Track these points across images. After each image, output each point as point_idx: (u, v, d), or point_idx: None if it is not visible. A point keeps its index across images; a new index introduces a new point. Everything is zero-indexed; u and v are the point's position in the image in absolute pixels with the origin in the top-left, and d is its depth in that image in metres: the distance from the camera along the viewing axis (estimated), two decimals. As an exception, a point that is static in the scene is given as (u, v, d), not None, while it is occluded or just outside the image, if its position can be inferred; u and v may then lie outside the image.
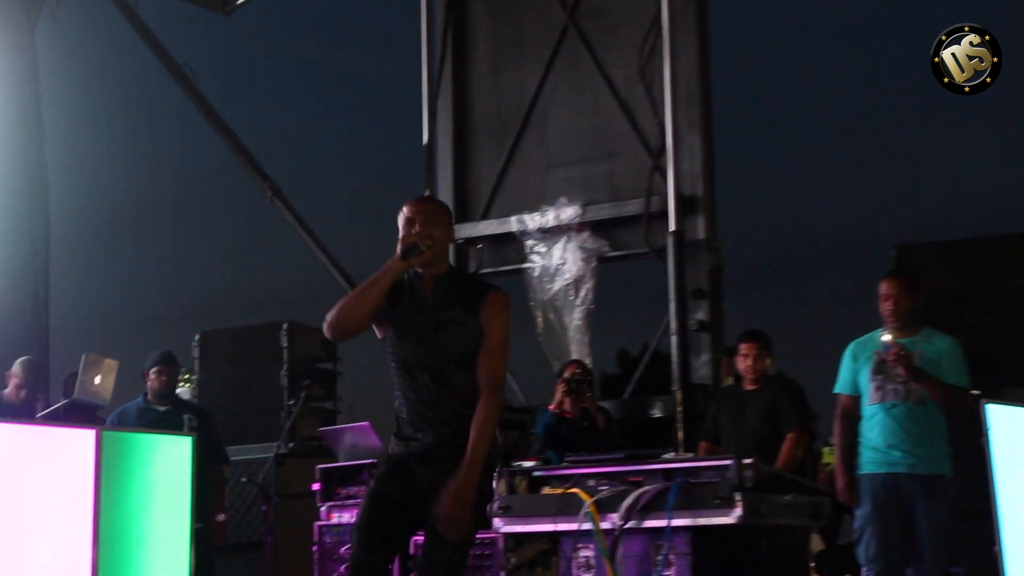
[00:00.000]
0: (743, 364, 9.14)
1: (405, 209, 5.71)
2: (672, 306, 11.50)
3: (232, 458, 10.34)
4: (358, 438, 9.78)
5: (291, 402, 11.41)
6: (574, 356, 11.57)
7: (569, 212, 12.14)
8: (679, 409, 11.29)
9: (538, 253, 12.28)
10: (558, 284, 12.09)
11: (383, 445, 9.68)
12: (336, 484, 9.59)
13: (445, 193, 13.12)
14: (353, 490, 9.49)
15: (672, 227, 11.57)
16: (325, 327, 5.59)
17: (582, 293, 12.01)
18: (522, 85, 12.96)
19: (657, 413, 11.77)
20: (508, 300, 5.77)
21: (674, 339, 11.46)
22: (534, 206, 12.41)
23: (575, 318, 12.00)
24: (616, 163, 12.36)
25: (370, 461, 9.47)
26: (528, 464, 8.73)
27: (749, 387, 9.12)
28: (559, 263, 12.12)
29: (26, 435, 8.05)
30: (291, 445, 11.24)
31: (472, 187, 13.15)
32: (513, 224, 12.47)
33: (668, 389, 11.62)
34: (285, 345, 12.24)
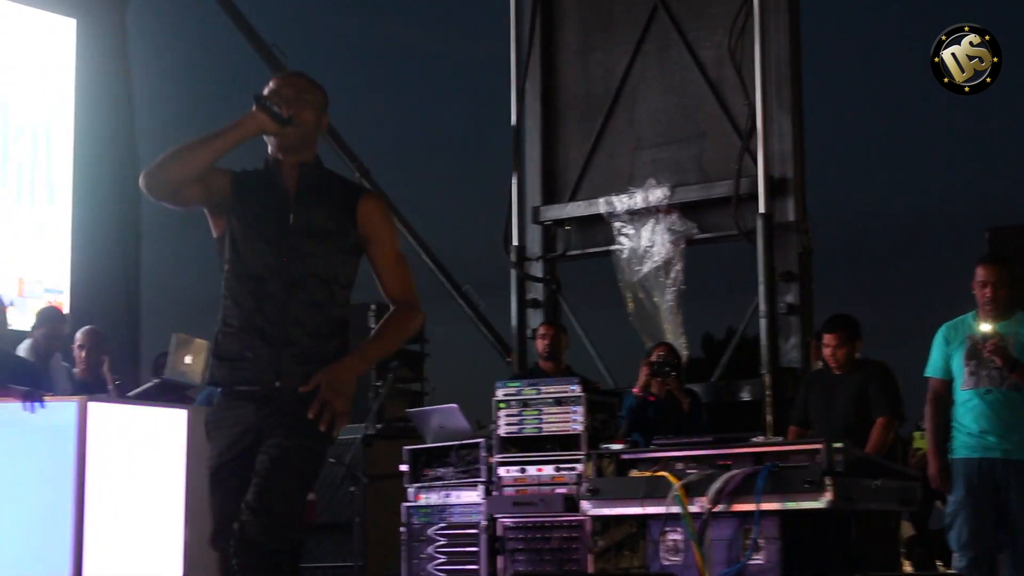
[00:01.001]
0: (827, 353, 9.07)
1: (272, 82, 4.85)
2: (761, 289, 11.43)
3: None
4: (446, 419, 9.78)
5: (379, 383, 11.43)
6: (668, 337, 11.54)
7: (658, 194, 12.09)
8: (768, 393, 11.23)
9: (626, 235, 12.23)
10: (647, 266, 12.04)
11: (471, 427, 9.70)
12: (424, 465, 9.61)
13: (533, 175, 13.10)
14: (441, 471, 9.50)
15: (762, 209, 11.50)
16: (141, 178, 4.62)
17: (672, 275, 11.96)
18: (611, 66, 12.92)
19: (745, 396, 11.73)
20: (387, 202, 5.11)
21: (763, 322, 11.39)
22: (622, 188, 12.36)
23: (666, 299, 11.96)
24: (705, 144, 12.29)
25: (459, 443, 9.49)
26: (615, 447, 8.72)
27: (839, 371, 9.05)
28: (648, 245, 12.06)
29: (120, 414, 8.15)
30: (379, 426, 11.26)
31: (560, 169, 13.11)
32: (601, 206, 12.43)
33: (756, 372, 11.57)
34: (372, 326, 12.26)
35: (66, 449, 7.71)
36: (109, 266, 13.65)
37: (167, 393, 9.39)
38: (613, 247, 12.34)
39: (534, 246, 13.03)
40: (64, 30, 13.51)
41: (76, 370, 9.83)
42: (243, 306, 4.70)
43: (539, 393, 9.27)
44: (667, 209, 12.08)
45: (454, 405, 9.86)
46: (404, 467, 9.63)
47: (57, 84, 13.39)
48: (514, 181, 13.10)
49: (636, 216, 12.20)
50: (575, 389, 9.26)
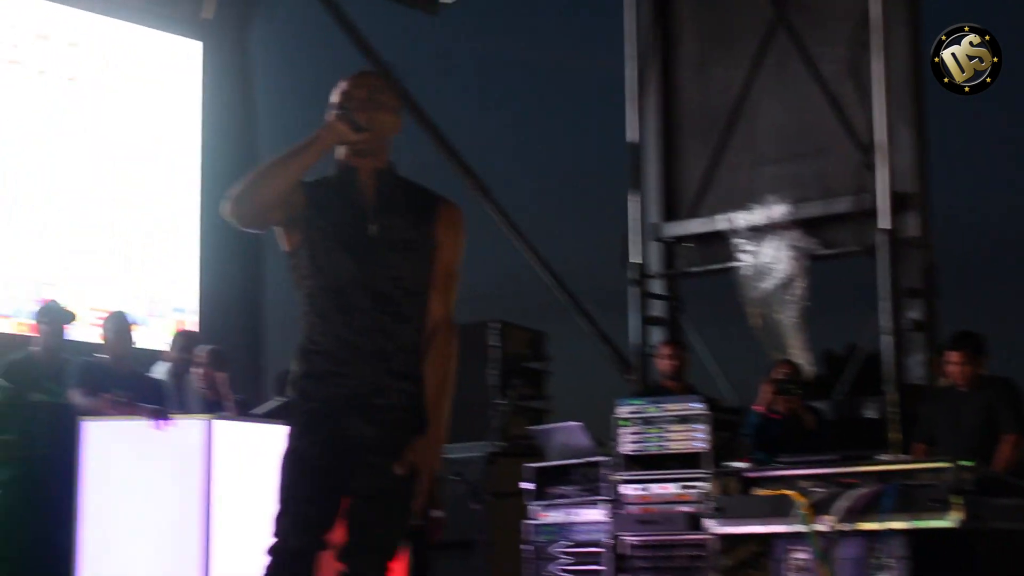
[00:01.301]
0: (952, 371, 8.97)
1: (342, 83, 4.57)
2: (886, 305, 11.32)
3: (442, 456, 10.40)
4: (568, 437, 9.79)
5: (501, 401, 11.45)
6: (792, 354, 11.47)
7: (779, 210, 12.02)
8: (893, 410, 11.12)
9: (748, 252, 12.17)
10: (769, 283, 11.97)
11: (594, 445, 9.69)
12: (546, 483, 9.62)
13: (652, 191, 13.09)
14: (563, 489, 9.51)
15: (884, 225, 11.39)
16: (227, 206, 4.35)
17: (795, 291, 11.88)
18: (729, 81, 12.87)
19: (870, 414, 11.61)
20: (463, 215, 4.68)
21: (888, 339, 11.27)
22: (743, 204, 12.31)
23: (790, 316, 11.88)
24: (826, 160, 12.21)
25: (582, 460, 9.49)
26: (740, 465, 8.68)
27: (965, 388, 8.94)
28: (769, 262, 12.00)
29: (245, 432, 8.25)
30: (502, 444, 11.27)
31: (680, 185, 13.09)
32: (722, 222, 12.38)
33: (880, 390, 11.46)
34: (495, 344, 12.28)
35: (193, 465, 7.82)
36: (234, 285, 13.80)
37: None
38: (734, 264, 12.28)
39: (655, 263, 13.00)
40: (191, 53, 13.70)
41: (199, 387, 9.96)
42: (331, 320, 4.44)
43: (661, 411, 9.26)
44: (788, 225, 12.01)
45: (578, 423, 9.87)
46: (527, 485, 9.65)
47: (185, 107, 13.57)
48: (633, 197, 13.09)
49: (757, 232, 12.14)
50: (698, 407, 9.24)
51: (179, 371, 9.73)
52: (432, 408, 4.49)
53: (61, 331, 9.31)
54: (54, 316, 9.30)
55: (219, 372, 9.93)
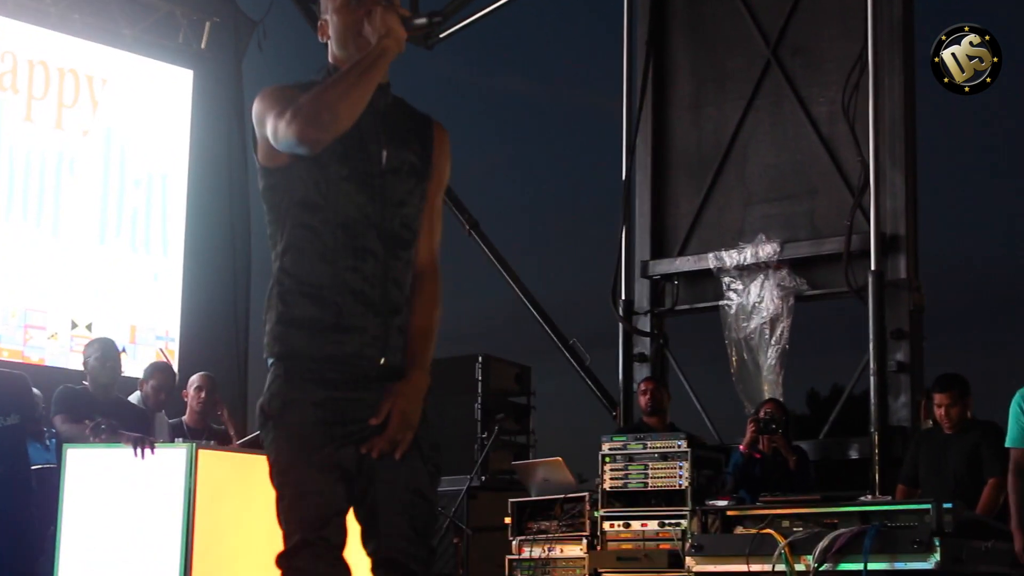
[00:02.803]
0: (937, 413, 8.97)
1: None
2: (872, 347, 11.32)
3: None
4: (551, 473, 9.78)
5: (484, 435, 11.44)
6: (767, 396, 11.46)
7: (768, 249, 12.02)
8: (876, 451, 11.11)
9: (735, 291, 12.17)
10: (754, 322, 11.97)
11: (576, 481, 9.68)
12: (528, 519, 9.62)
13: (643, 228, 13.08)
14: (545, 524, 9.50)
15: (873, 266, 11.40)
16: (298, 128, 3.68)
17: (778, 332, 11.88)
18: (722, 120, 12.89)
19: (853, 455, 11.60)
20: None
21: (872, 380, 11.27)
22: (732, 243, 12.31)
23: (769, 357, 11.88)
24: (816, 200, 12.22)
25: (562, 496, 9.48)
26: (721, 503, 8.67)
27: (950, 431, 8.94)
28: (756, 301, 12.00)
29: (229, 461, 8.21)
30: (484, 478, 11.27)
31: (670, 223, 13.09)
32: (710, 261, 12.38)
33: (864, 430, 11.45)
34: (480, 378, 12.29)
35: (175, 495, 7.78)
36: (218, 314, 13.79)
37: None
38: (722, 302, 12.29)
39: (642, 300, 13.00)
40: (181, 81, 13.73)
41: (186, 416, 9.90)
42: (335, 263, 3.83)
43: (645, 448, 9.26)
44: (777, 265, 12.01)
45: (559, 459, 9.86)
46: (508, 520, 9.63)
47: (174, 134, 13.59)
48: (623, 235, 13.10)
49: (745, 271, 12.15)
50: (681, 444, 9.25)
51: (151, 404, 9.64)
52: (419, 352, 3.95)
53: None
54: None
55: (218, 400, 9.89)
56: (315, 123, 3.70)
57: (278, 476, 3.87)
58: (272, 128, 3.81)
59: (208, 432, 9.73)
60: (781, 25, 12.55)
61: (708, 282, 12.52)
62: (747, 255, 12.10)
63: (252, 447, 9.22)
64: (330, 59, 4.07)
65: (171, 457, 7.87)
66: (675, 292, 12.85)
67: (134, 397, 9.70)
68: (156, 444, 7.94)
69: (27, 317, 12.01)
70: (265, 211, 4.01)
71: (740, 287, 12.15)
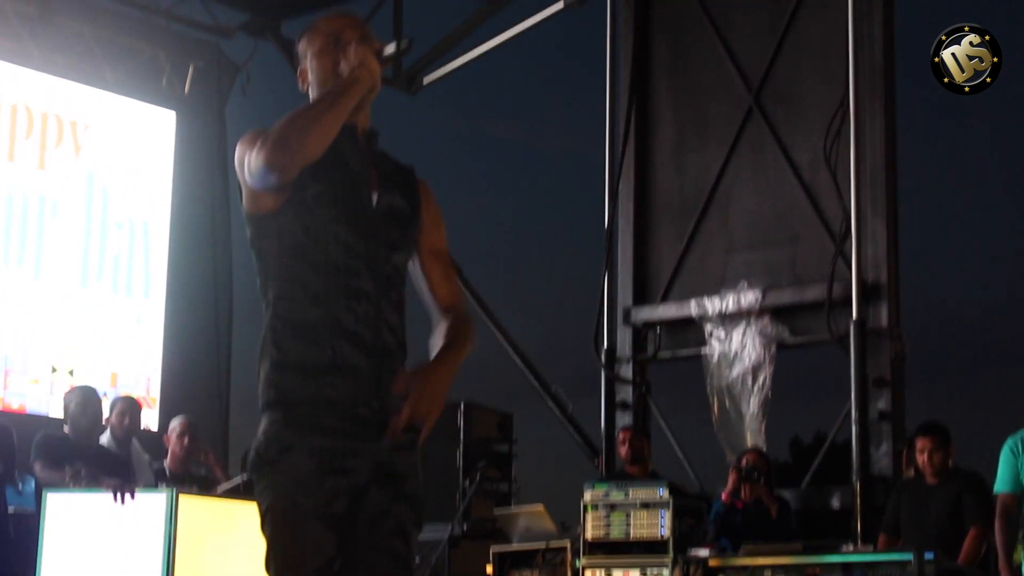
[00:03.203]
0: (920, 459, 8.98)
1: (333, 22, 4.02)
2: (853, 395, 11.32)
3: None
4: (532, 521, 9.75)
5: (466, 483, 11.40)
6: (749, 444, 11.45)
7: (750, 297, 12.03)
8: (858, 501, 11.10)
9: (717, 338, 12.18)
10: (736, 370, 11.97)
11: (558, 529, 9.65)
12: (510, 567, 9.58)
13: (625, 275, 13.09)
14: (526, 573, 9.46)
15: (855, 315, 11.41)
16: (268, 155, 3.67)
17: (760, 380, 11.88)
18: (705, 167, 12.91)
19: (835, 504, 11.59)
20: None
21: (854, 429, 11.27)
22: (714, 289, 12.33)
23: (752, 405, 11.87)
24: (798, 247, 12.24)
25: (544, 545, 9.44)
26: (703, 552, 8.66)
27: (931, 480, 8.94)
28: (738, 349, 12.00)
29: (210, 508, 8.18)
30: (465, 527, 11.23)
31: (652, 269, 13.10)
32: (692, 308, 12.39)
33: (846, 479, 11.44)
34: (461, 425, 12.25)
35: (156, 541, 7.75)
36: (201, 359, 13.74)
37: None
38: (704, 350, 12.29)
39: (624, 347, 13.00)
40: (165, 125, 13.72)
41: (167, 461, 9.85)
42: (328, 304, 3.79)
43: (627, 496, 9.24)
44: (759, 312, 12.02)
45: (540, 506, 9.83)
46: (490, 569, 9.60)
47: (156, 177, 13.57)
48: (606, 281, 13.11)
49: (727, 319, 12.15)
50: (663, 493, 9.23)
51: (119, 436, 9.58)
52: (452, 348, 3.93)
53: None
54: None
55: (202, 445, 9.85)
56: (283, 147, 3.69)
57: (270, 523, 3.82)
58: (248, 164, 3.81)
59: (190, 477, 9.69)
60: (763, 72, 12.59)
61: (690, 329, 12.53)
62: (729, 303, 12.11)
63: (233, 493, 9.19)
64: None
65: (152, 503, 7.84)
66: (657, 339, 12.85)
67: (104, 437, 9.62)
68: (136, 490, 7.92)
69: (7, 362, 11.96)
70: (254, 259, 3.96)
71: (722, 335, 12.15)
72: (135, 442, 9.73)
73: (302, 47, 4.08)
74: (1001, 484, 7.84)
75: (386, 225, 3.90)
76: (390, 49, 3.89)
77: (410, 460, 3.92)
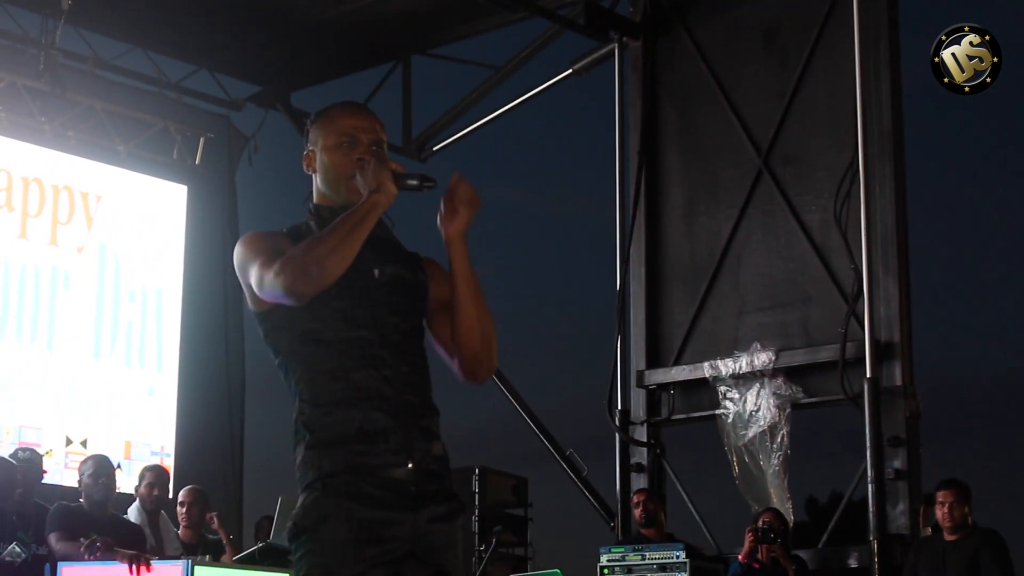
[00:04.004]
0: (940, 512, 8.95)
1: (346, 119, 4.07)
2: (869, 454, 11.29)
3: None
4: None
5: (482, 548, 11.37)
6: (774, 502, 11.42)
7: (763, 358, 12.02)
8: (875, 560, 11.05)
9: (731, 399, 12.16)
10: (752, 430, 11.95)
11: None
12: (527, 631, 9.54)
13: (638, 338, 13.09)
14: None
15: (869, 374, 11.40)
16: (288, 281, 3.75)
17: (778, 439, 11.86)
18: (715, 230, 12.93)
19: (853, 564, 11.54)
20: None
21: (871, 488, 11.23)
22: (727, 352, 12.31)
23: (772, 464, 11.84)
24: (810, 308, 12.23)
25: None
26: (721, 615, 8.63)
27: (949, 537, 8.92)
28: (753, 409, 11.98)
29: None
30: (483, 591, 11.18)
31: (664, 332, 13.09)
32: (706, 370, 12.38)
33: (863, 539, 11.40)
34: (476, 490, 12.24)
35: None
36: (213, 429, 13.77)
37: (270, 557, 9.39)
38: (718, 411, 12.27)
39: (638, 410, 12.98)
40: (176, 196, 13.79)
41: (180, 530, 9.85)
42: (346, 377, 3.88)
43: (643, 559, 9.23)
44: (772, 373, 12.01)
45: (557, 571, 9.80)
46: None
47: (168, 249, 13.64)
48: (618, 344, 13.11)
49: (741, 380, 12.14)
50: (680, 555, 9.21)
51: (148, 508, 9.60)
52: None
53: (37, 478, 9.28)
54: (30, 464, 9.26)
55: (206, 510, 9.85)
56: (303, 278, 3.75)
57: None
58: (257, 278, 3.87)
59: (204, 545, 9.68)
60: (772, 135, 12.62)
61: (704, 391, 12.51)
62: (742, 364, 12.10)
63: (248, 563, 9.18)
64: (315, 195, 4.13)
65: (168, 573, 7.83)
66: (671, 401, 12.84)
67: (133, 508, 9.65)
68: (152, 560, 7.91)
69: (22, 434, 11.98)
70: (272, 354, 4.03)
71: (736, 396, 12.14)
72: (163, 514, 9.73)
73: (313, 134, 4.12)
74: None
75: (389, 294, 3.97)
76: (413, 182, 3.94)
77: (448, 532, 3.92)
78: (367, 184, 3.89)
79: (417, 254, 4.15)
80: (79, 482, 9.18)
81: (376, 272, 3.97)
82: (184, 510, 9.81)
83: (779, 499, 11.60)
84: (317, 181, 4.11)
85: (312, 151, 4.11)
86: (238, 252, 3.97)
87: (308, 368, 3.92)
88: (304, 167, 4.15)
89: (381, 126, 4.10)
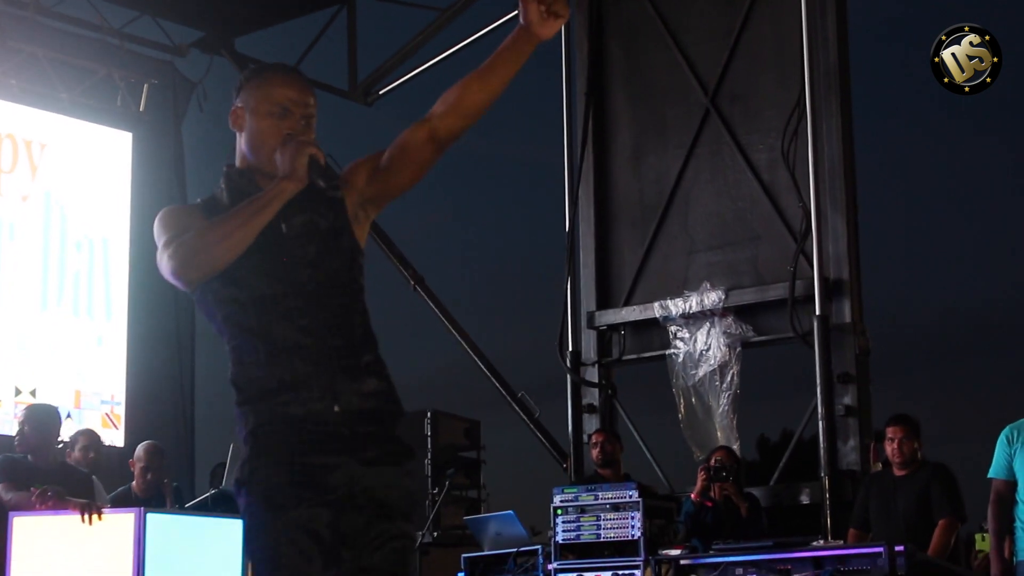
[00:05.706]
0: (890, 448, 9.00)
1: (281, 88, 4.04)
2: (819, 391, 11.35)
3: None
4: (503, 527, 9.74)
5: (435, 491, 11.40)
6: (721, 442, 11.47)
7: (712, 297, 12.06)
8: (827, 496, 11.12)
9: (681, 339, 12.20)
10: (703, 370, 11.99)
11: (529, 534, 9.64)
12: (481, 573, 9.57)
13: (588, 280, 13.10)
14: (498, 579, 9.46)
15: (818, 311, 11.44)
16: (177, 266, 3.84)
17: (728, 378, 11.90)
18: (663, 170, 12.93)
19: (804, 500, 11.62)
20: None
21: (821, 424, 11.30)
22: (677, 291, 12.34)
23: (721, 403, 11.89)
24: (759, 247, 12.26)
25: (515, 550, 9.43)
26: (674, 552, 8.66)
27: (899, 473, 8.97)
28: (703, 349, 12.02)
29: (177, 524, 8.14)
30: (435, 534, 11.21)
31: (614, 273, 13.10)
32: (656, 310, 12.40)
33: (814, 475, 11.47)
34: (428, 434, 12.26)
35: (124, 561, 7.70)
36: (164, 377, 13.72)
37: (223, 503, 9.37)
38: (668, 351, 12.30)
39: (589, 351, 13.00)
40: (121, 144, 13.68)
41: (134, 484, 9.76)
42: (264, 333, 3.90)
43: (596, 499, 9.24)
44: (722, 312, 12.05)
45: (511, 512, 9.83)
46: (461, 575, 9.59)
47: (114, 197, 13.53)
48: (568, 286, 13.11)
49: (691, 320, 12.18)
50: (633, 495, 9.23)
51: (84, 471, 9.49)
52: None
53: None
54: None
55: (164, 474, 9.72)
56: (190, 264, 3.84)
57: (252, 542, 3.89)
58: (158, 258, 3.94)
59: (158, 498, 9.63)
60: (719, 74, 12.61)
61: (655, 331, 12.54)
62: (692, 303, 12.13)
63: (201, 509, 9.16)
64: (237, 156, 4.12)
65: (120, 522, 7.79)
66: (622, 342, 12.86)
67: None
68: (104, 509, 7.86)
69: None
70: (208, 321, 4.08)
71: (687, 335, 12.18)
72: (95, 480, 9.63)
73: (245, 93, 4.09)
74: (994, 471, 7.90)
75: (301, 246, 3.95)
76: (321, 184, 3.93)
77: (389, 474, 3.92)
78: (281, 167, 3.91)
79: (336, 185, 4.04)
80: (17, 433, 8.99)
81: (284, 227, 3.95)
82: (147, 475, 9.62)
83: (727, 439, 11.65)
84: (241, 141, 4.09)
85: (241, 109, 4.09)
86: (155, 229, 4.00)
87: (231, 328, 3.95)
88: (230, 123, 4.13)
89: (314, 99, 4.08)
